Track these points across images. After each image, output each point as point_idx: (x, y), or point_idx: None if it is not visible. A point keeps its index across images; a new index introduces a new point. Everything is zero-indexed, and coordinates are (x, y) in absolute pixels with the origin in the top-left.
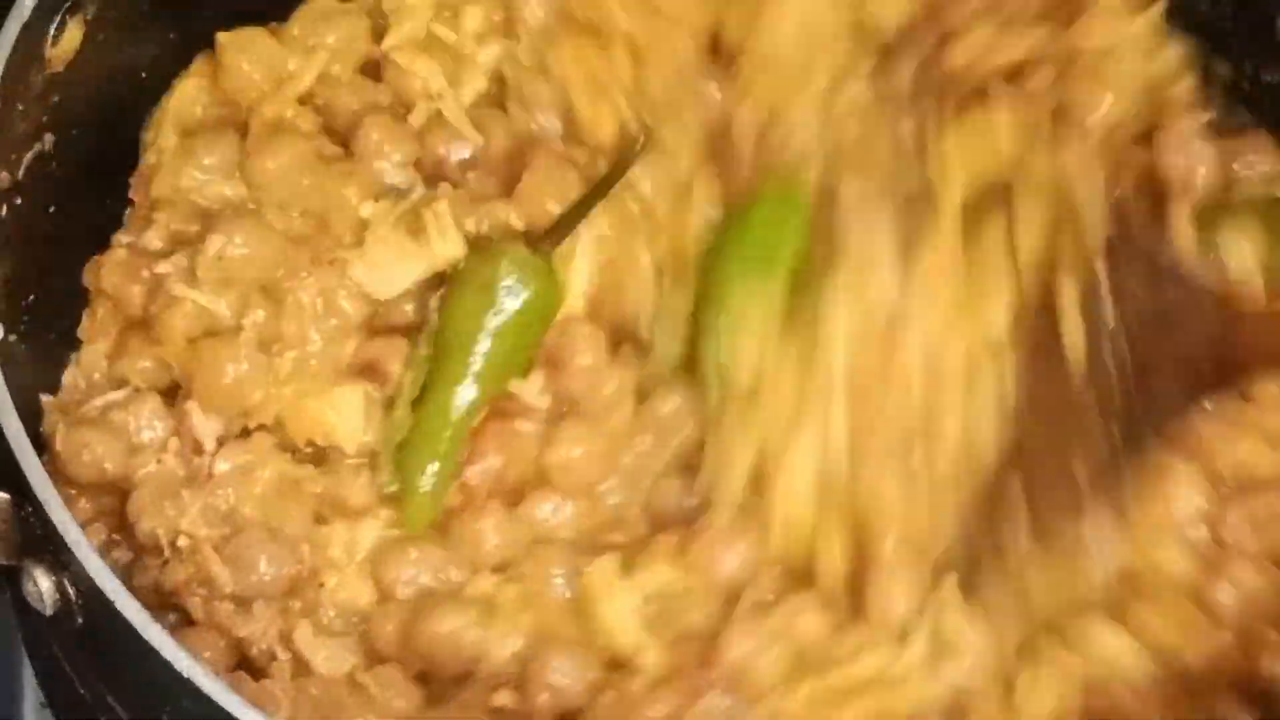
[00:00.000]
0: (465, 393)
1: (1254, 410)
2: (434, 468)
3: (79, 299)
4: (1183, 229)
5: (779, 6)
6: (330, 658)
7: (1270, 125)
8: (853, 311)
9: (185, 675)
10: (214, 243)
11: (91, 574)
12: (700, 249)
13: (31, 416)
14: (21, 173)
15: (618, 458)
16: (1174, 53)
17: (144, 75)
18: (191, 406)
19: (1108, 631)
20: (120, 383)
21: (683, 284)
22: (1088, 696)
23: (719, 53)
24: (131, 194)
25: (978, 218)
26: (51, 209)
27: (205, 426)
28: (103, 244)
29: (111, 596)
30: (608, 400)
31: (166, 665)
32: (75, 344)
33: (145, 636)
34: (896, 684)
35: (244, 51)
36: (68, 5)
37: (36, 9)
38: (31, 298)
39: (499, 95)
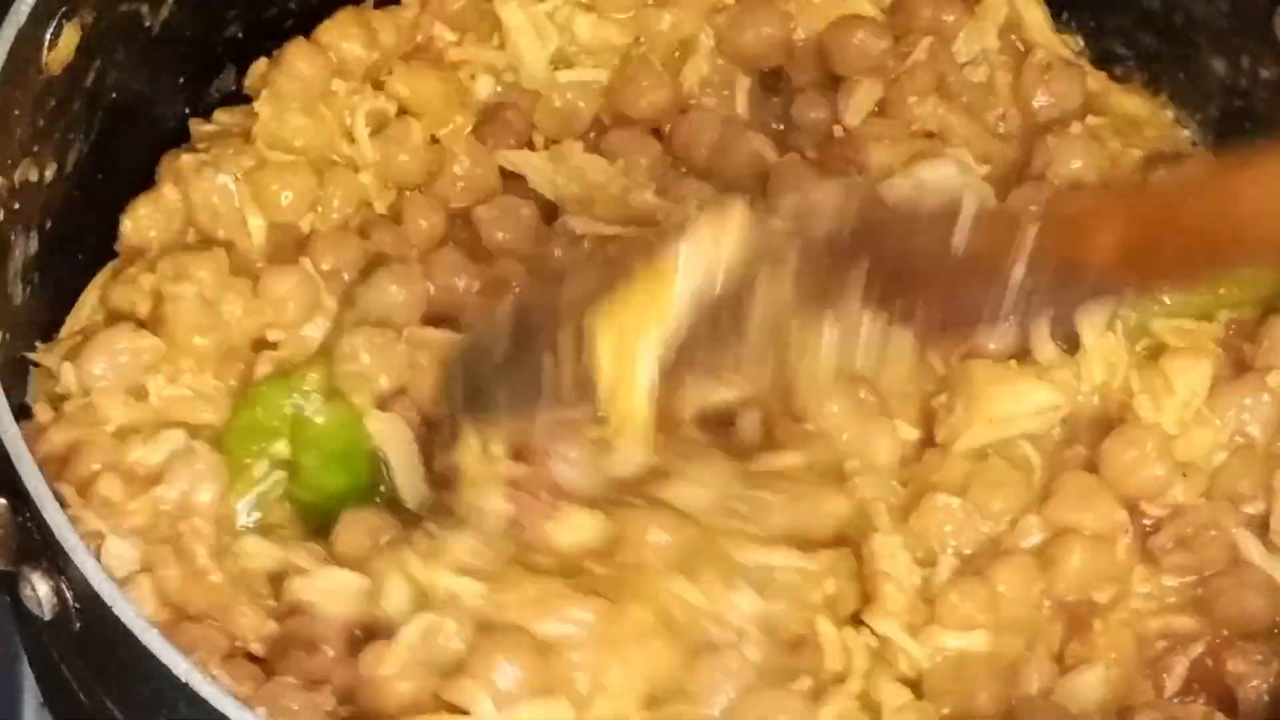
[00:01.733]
0: None
1: None
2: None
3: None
4: None
5: None
6: None
7: (1267, 121)
8: None
9: (183, 680)
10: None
11: (89, 579)
12: None
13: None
14: (18, 178)
15: None
16: None
17: (141, 80)
18: None
19: None
20: None
21: None
22: None
23: None
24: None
25: None
26: (49, 216)
27: None
28: (100, 249)
29: (109, 601)
30: None
31: (165, 670)
32: None
33: (143, 641)
34: None
35: None
36: (64, 10)
37: (33, 13)
38: (29, 302)
39: None
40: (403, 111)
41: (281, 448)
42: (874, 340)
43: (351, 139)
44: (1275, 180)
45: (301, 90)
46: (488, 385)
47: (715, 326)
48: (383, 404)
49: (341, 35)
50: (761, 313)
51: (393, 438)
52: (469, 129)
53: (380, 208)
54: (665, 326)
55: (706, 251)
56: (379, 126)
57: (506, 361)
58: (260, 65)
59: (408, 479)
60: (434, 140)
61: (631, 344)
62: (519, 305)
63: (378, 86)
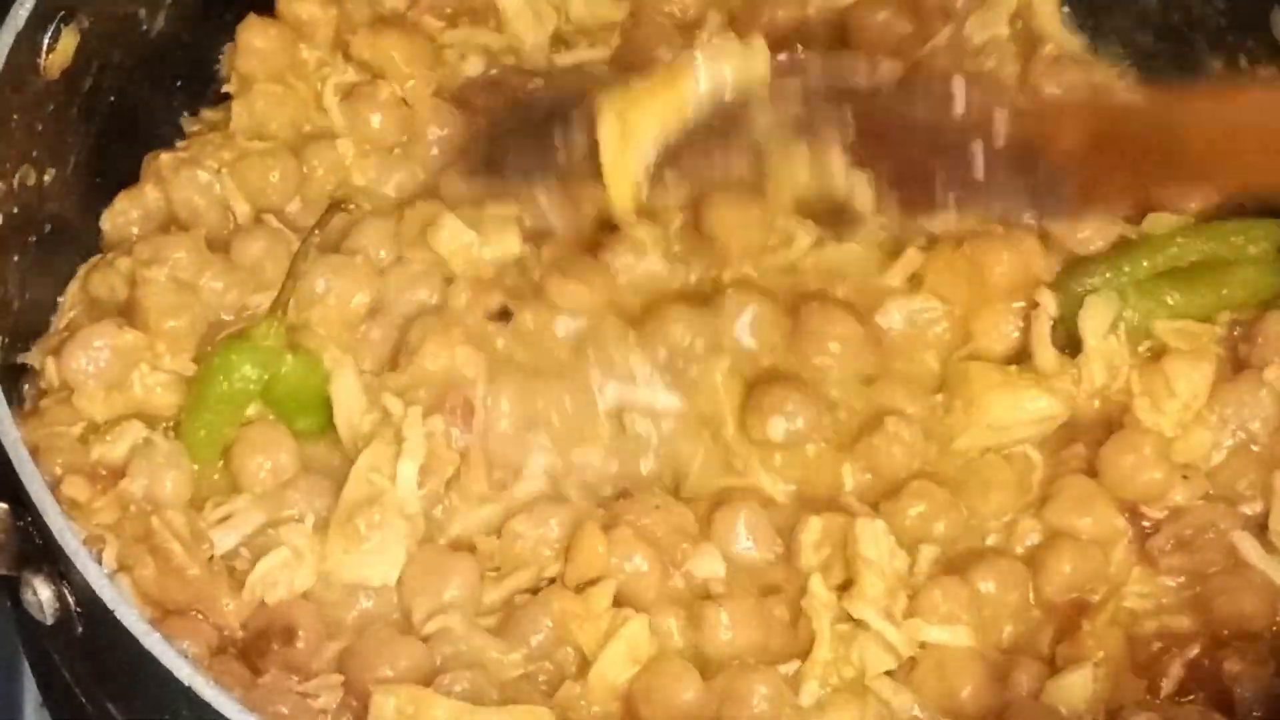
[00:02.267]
0: None
1: None
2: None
3: None
4: None
5: None
6: None
7: None
8: None
9: (186, 684)
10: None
11: (91, 583)
12: None
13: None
14: (16, 181)
15: None
16: None
17: (139, 83)
18: None
19: None
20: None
21: None
22: None
23: None
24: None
25: None
26: (47, 219)
27: None
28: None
29: (111, 606)
30: None
31: (166, 673)
32: None
33: (145, 645)
34: None
35: None
36: (62, 14)
37: (31, 18)
38: (28, 306)
39: None
40: (375, 77)
41: (254, 412)
42: (840, 176)
43: (324, 110)
44: (1210, 109)
45: (262, 65)
46: (504, 155)
47: (707, 137)
48: (355, 327)
49: None
50: (752, 133)
51: (339, 373)
52: (434, 87)
53: (360, 180)
54: (671, 121)
55: (726, 63)
56: (348, 93)
57: (523, 135)
58: (229, 51)
59: (345, 416)
60: (404, 103)
61: (635, 130)
62: (541, 89)
63: (349, 58)
